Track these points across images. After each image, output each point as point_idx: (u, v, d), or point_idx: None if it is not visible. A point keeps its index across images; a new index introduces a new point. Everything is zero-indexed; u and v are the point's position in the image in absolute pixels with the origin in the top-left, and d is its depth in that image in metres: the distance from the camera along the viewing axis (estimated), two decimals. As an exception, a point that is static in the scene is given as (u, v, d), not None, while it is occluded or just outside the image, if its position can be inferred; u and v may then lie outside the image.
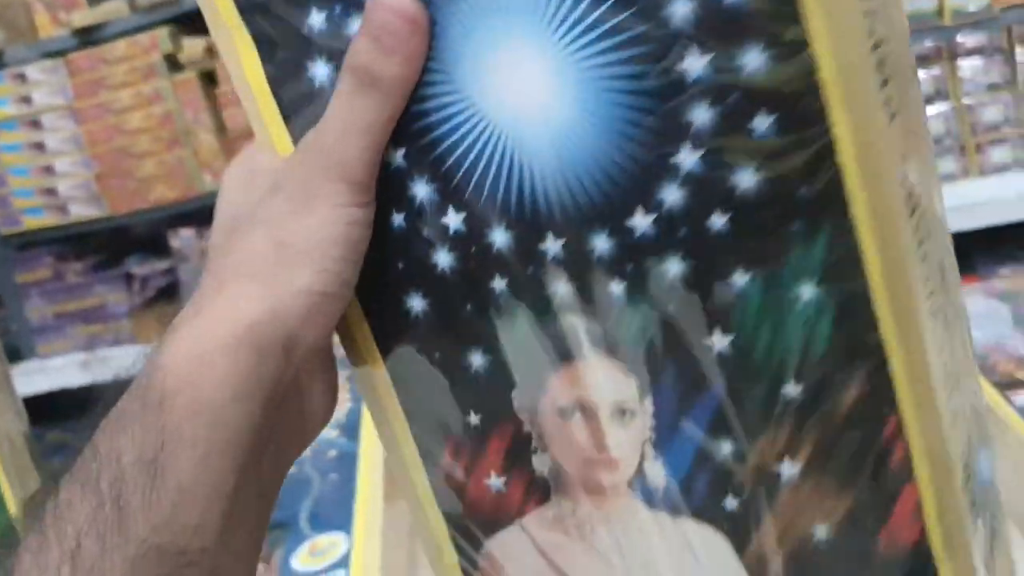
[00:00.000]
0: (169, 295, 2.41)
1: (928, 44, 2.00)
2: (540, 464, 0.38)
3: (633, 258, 0.33)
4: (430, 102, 0.33)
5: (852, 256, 0.31)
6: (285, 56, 0.35)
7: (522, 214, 0.34)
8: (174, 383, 0.30)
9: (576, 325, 0.35)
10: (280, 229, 0.32)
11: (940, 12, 1.88)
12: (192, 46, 2.19)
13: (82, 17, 2.23)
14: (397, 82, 0.32)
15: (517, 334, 0.36)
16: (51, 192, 2.35)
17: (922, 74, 2.03)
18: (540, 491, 0.39)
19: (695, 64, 0.30)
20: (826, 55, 0.29)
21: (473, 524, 0.40)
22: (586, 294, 0.34)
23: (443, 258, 0.35)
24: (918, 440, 0.33)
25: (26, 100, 2.30)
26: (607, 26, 0.30)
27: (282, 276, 0.32)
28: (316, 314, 0.32)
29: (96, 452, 0.30)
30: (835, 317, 0.32)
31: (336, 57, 0.33)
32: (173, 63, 2.22)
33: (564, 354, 0.36)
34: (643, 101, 0.31)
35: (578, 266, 0.34)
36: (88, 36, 2.25)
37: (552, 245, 0.34)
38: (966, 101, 2.03)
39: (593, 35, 0.30)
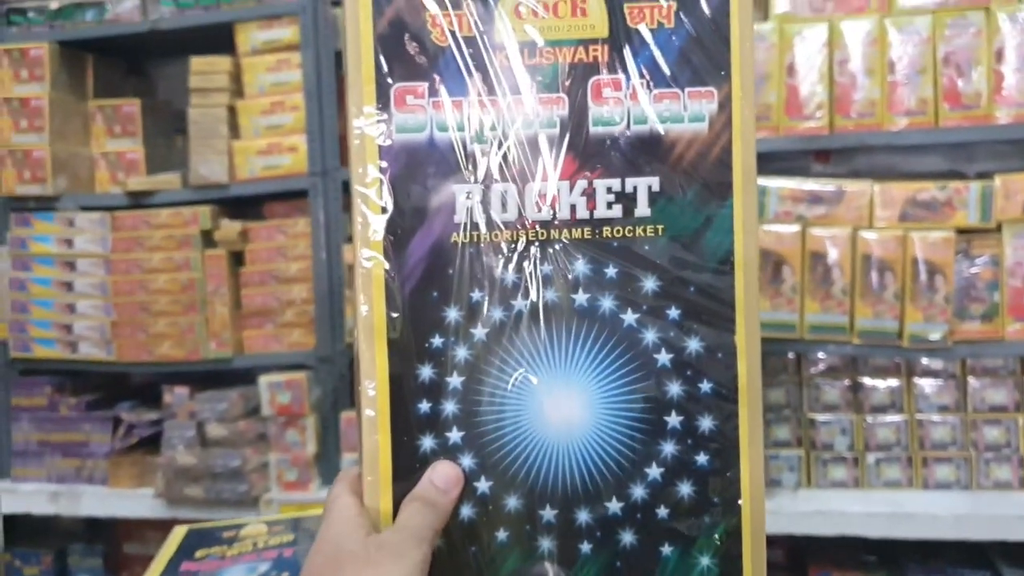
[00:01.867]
0: (150, 445, 2.52)
1: (892, 359, 2.18)
2: None
3: (602, 529, 0.55)
4: (491, 412, 0.54)
5: (737, 544, 0.55)
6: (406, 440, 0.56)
7: (534, 490, 0.55)
8: None
9: (548, 570, 0.56)
10: (381, 569, 0.52)
11: (900, 334, 2.06)
12: (228, 227, 2.40)
13: (138, 182, 2.46)
14: (444, 505, 0.55)
15: (503, 573, 0.55)
16: (67, 328, 2.51)
17: (880, 384, 2.20)
18: None
19: (673, 420, 0.54)
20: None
21: None
22: (563, 549, 0.56)
23: (466, 511, 0.56)
24: None
25: (68, 242, 2.50)
26: (632, 392, 0.54)
27: None
28: None
29: None
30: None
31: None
32: (208, 238, 2.42)
33: None
34: (639, 440, 0.54)
35: (563, 530, 0.55)
36: (138, 199, 2.47)
37: (549, 513, 0.55)
38: (918, 417, 2.18)
39: (621, 391, 0.54)
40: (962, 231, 2.08)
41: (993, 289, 2.07)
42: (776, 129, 2.16)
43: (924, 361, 2.19)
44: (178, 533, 1.14)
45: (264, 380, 2.39)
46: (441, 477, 0.54)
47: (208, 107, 2.40)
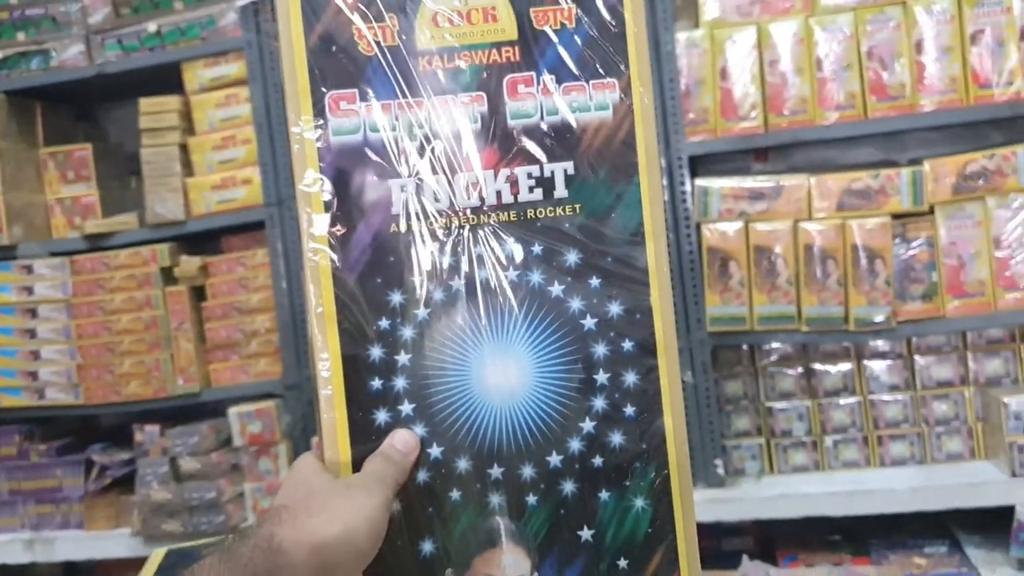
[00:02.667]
0: (124, 485, 2.53)
1: (841, 344, 2.27)
2: None
3: (545, 481, 0.61)
4: (438, 383, 0.60)
5: (666, 484, 0.61)
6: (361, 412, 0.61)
7: (481, 451, 0.61)
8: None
9: (500, 523, 0.61)
10: (351, 502, 0.58)
11: (846, 319, 2.14)
12: (188, 263, 2.43)
13: (95, 225, 2.49)
14: (404, 463, 0.60)
15: (459, 529, 0.61)
16: (32, 375, 2.52)
17: (832, 369, 2.28)
18: None
19: (602, 377, 0.60)
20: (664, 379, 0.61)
21: None
22: (511, 503, 0.61)
23: (421, 475, 0.61)
24: None
25: (28, 290, 2.51)
26: (563, 355, 0.60)
27: (347, 517, 0.57)
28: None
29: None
30: (652, 517, 0.62)
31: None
32: (168, 276, 2.45)
33: (488, 543, 0.61)
34: (572, 398, 0.60)
35: (510, 485, 0.61)
36: (96, 242, 2.50)
37: (496, 471, 0.61)
38: (871, 397, 2.26)
39: (553, 355, 0.60)
40: (897, 216, 2.17)
41: (931, 269, 2.16)
42: (714, 131, 2.25)
43: (872, 343, 2.28)
44: (157, 555, 1.17)
45: (234, 411, 2.42)
46: (401, 441, 0.60)
47: (160, 146, 2.44)
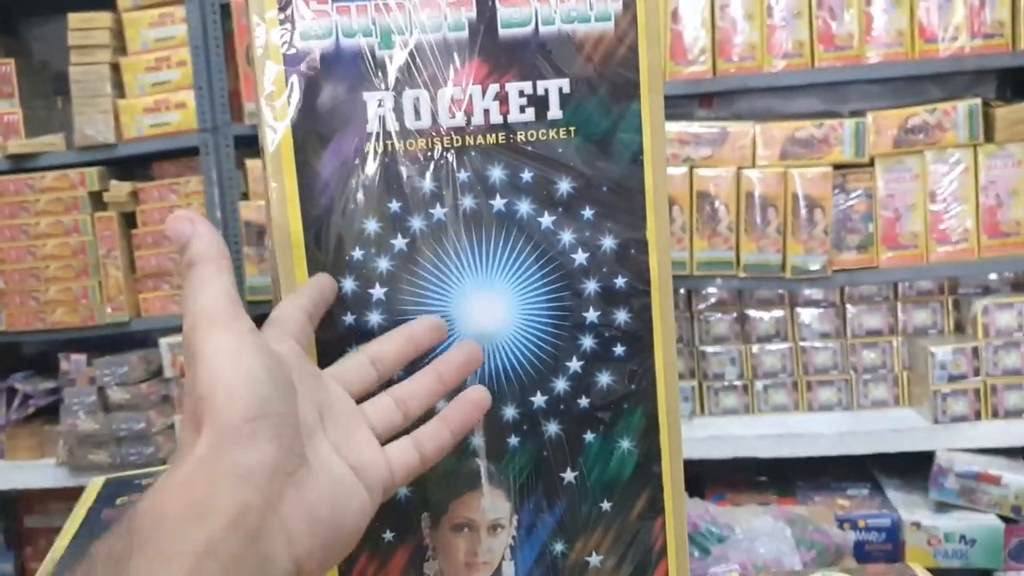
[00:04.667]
0: (49, 415, 2.46)
1: (776, 291, 2.30)
2: (429, 569, 0.57)
3: (528, 422, 0.57)
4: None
5: (654, 426, 0.57)
6: None
7: (460, 391, 0.54)
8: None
9: (480, 465, 0.56)
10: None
11: (783, 266, 2.17)
12: (118, 188, 2.34)
13: (19, 145, 2.38)
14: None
15: (437, 472, 0.56)
16: (-49, 300, 2.42)
17: (765, 315, 2.32)
18: None
19: (592, 315, 0.56)
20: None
21: None
22: (492, 445, 0.56)
23: None
24: (671, 532, 0.58)
25: (-54, 211, 2.40)
26: (550, 291, 0.55)
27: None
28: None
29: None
30: (638, 460, 0.57)
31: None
32: (97, 200, 2.37)
33: (467, 486, 0.57)
34: (560, 336, 0.56)
35: (491, 426, 0.56)
36: (20, 163, 2.39)
37: None
38: (802, 344, 2.30)
39: (540, 291, 0.55)
40: (838, 166, 2.19)
41: (867, 220, 2.20)
42: (662, 74, 2.23)
43: (806, 292, 2.32)
44: (95, 484, 1.14)
45: (164, 342, 2.36)
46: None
47: (90, 65, 2.33)
